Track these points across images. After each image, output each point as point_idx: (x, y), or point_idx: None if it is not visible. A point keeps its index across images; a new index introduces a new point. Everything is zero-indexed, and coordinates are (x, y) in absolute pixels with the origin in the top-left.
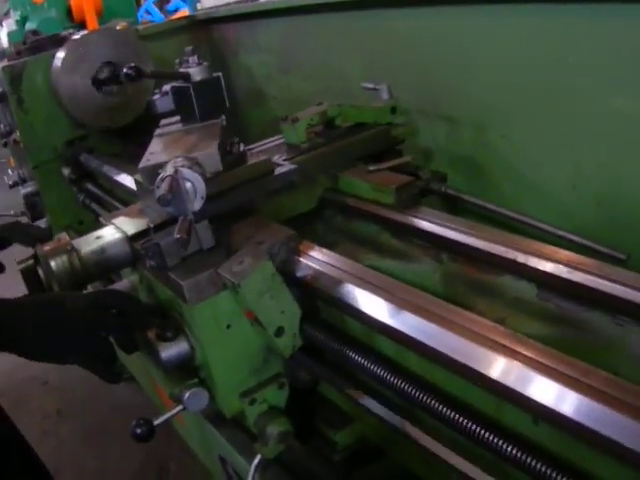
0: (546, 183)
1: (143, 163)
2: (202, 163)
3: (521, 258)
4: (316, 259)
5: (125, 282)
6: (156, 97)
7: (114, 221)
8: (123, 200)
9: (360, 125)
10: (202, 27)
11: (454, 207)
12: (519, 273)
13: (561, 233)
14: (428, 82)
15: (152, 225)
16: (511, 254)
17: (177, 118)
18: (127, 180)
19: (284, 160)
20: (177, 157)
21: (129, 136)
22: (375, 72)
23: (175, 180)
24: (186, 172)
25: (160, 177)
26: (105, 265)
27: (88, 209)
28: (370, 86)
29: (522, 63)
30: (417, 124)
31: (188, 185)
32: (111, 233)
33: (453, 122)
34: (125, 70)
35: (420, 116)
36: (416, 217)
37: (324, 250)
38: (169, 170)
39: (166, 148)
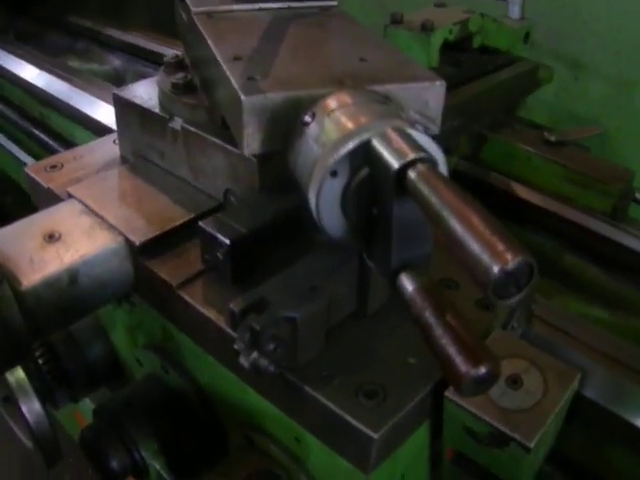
0: None
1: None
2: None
3: None
4: None
5: None
6: None
7: (80, 194)
8: None
9: (490, 53)
10: None
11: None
12: None
13: None
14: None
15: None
16: None
17: None
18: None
19: None
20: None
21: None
22: None
23: None
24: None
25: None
26: (72, 308)
27: None
28: None
29: None
30: None
31: None
32: (93, 235)
33: (579, 68)
34: None
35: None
36: None
37: None
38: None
39: (295, 58)
